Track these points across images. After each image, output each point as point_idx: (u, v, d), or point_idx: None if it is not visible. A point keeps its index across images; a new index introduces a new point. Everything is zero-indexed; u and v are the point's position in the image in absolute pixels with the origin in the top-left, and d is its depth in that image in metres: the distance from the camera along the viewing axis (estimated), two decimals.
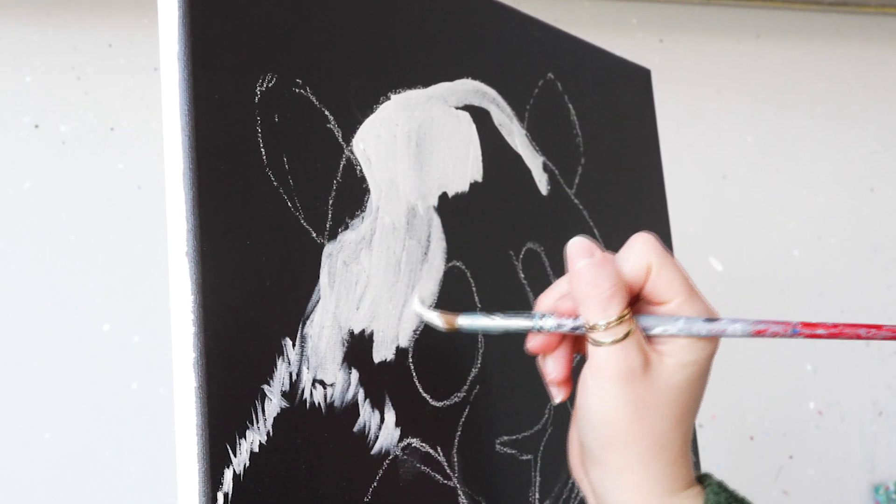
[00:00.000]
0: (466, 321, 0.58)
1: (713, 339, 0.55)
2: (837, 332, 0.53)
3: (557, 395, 0.59)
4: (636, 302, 0.56)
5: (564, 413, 0.75)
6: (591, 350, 0.54)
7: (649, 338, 0.54)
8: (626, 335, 0.53)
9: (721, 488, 0.55)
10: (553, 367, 0.58)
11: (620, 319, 0.53)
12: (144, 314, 1.18)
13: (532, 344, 0.58)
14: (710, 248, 1.49)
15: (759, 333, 0.54)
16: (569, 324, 0.56)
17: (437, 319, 0.59)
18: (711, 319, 0.54)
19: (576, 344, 0.59)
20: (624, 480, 0.54)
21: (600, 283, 0.53)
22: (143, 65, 1.22)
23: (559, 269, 0.76)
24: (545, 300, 0.58)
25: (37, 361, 1.14)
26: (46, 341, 1.15)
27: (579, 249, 0.54)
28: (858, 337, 0.53)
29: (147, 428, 1.16)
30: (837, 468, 1.53)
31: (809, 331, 0.54)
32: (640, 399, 0.53)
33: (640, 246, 0.55)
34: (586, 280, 0.53)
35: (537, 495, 0.71)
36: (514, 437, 0.69)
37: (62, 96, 1.19)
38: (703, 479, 0.57)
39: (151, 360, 1.18)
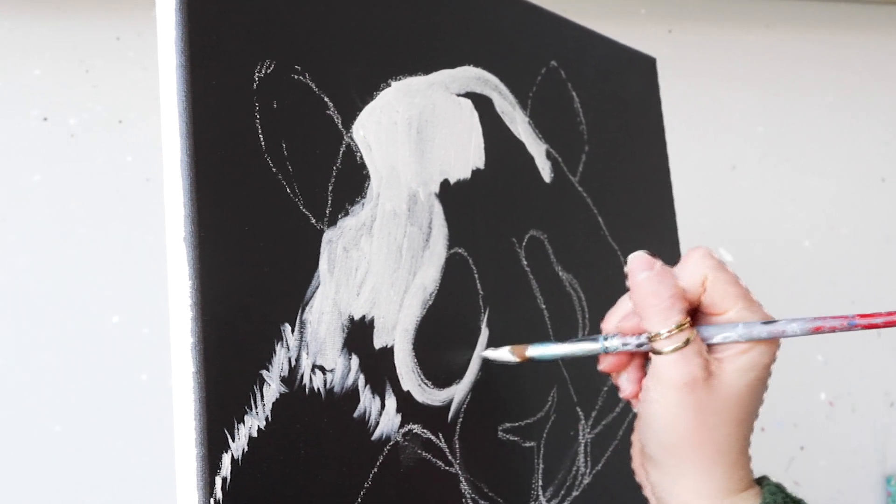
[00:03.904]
0: (537, 351, 0.63)
1: (772, 345, 0.56)
2: (894, 319, 0.54)
3: (637, 408, 0.61)
4: (696, 314, 0.57)
5: (567, 401, 0.75)
6: (654, 359, 0.56)
7: (710, 347, 0.56)
8: (687, 343, 0.55)
9: (778, 489, 0.57)
10: (627, 384, 0.61)
11: (681, 327, 0.55)
12: (154, 306, 1.19)
13: (604, 365, 0.61)
14: (720, 238, 1.49)
15: (817, 330, 0.56)
16: (633, 342, 0.58)
17: (509, 355, 0.64)
18: (770, 322, 0.55)
19: (646, 358, 0.61)
20: (684, 483, 0.56)
21: (661, 292, 0.55)
22: (152, 58, 1.22)
23: (562, 257, 0.76)
24: (609, 320, 0.61)
25: (47, 353, 1.15)
26: (56, 333, 1.15)
27: (640, 263, 0.57)
28: None
29: (157, 419, 1.17)
30: (849, 459, 1.52)
31: (867, 321, 0.54)
32: (702, 406, 0.55)
33: (696, 259, 0.57)
34: (647, 290, 0.56)
35: (540, 482, 0.71)
36: (517, 424, 0.69)
37: (71, 89, 1.19)
38: (760, 481, 0.58)
39: (161, 351, 1.18)
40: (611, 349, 0.59)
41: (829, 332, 0.55)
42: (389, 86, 0.63)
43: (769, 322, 0.56)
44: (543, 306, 0.73)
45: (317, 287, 0.55)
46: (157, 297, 1.18)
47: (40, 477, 1.13)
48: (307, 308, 0.54)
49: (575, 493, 0.74)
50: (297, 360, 0.53)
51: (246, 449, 0.49)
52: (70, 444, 1.14)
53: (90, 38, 1.21)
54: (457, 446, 0.63)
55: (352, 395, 0.56)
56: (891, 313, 0.54)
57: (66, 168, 1.18)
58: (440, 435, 0.62)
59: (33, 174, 1.16)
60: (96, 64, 1.21)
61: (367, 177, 0.60)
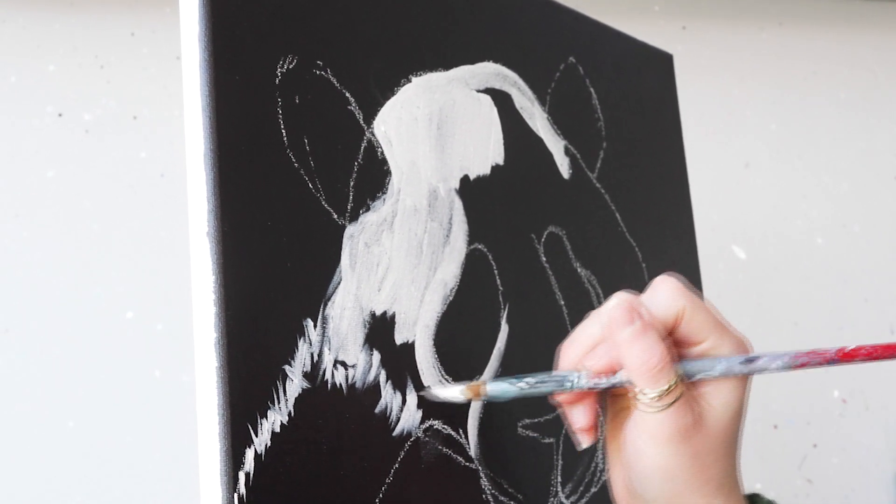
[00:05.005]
0: (494, 388, 0.56)
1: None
2: (877, 353, 0.53)
3: (584, 441, 0.58)
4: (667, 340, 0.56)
5: None
6: (642, 415, 0.54)
7: (690, 384, 0.55)
8: (677, 398, 0.53)
9: None
10: (580, 417, 0.58)
11: (670, 389, 0.53)
12: (168, 302, 1.19)
13: (561, 397, 0.58)
14: (733, 235, 1.48)
15: (800, 367, 0.55)
16: (605, 382, 0.55)
17: (459, 393, 0.58)
18: (751, 359, 0.54)
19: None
20: None
21: (651, 354, 0.53)
22: (166, 53, 1.23)
23: (580, 254, 0.76)
24: (569, 353, 0.57)
25: (60, 349, 1.15)
26: (70, 329, 1.15)
27: (622, 314, 0.54)
28: None
29: (170, 415, 1.17)
30: (862, 457, 1.52)
31: (849, 357, 0.54)
32: (697, 450, 0.54)
33: (671, 291, 0.55)
34: (636, 352, 0.53)
35: (559, 478, 0.71)
36: (536, 420, 0.69)
37: (85, 85, 1.19)
38: (753, 499, 0.58)
39: (174, 347, 1.18)
40: (577, 388, 0.56)
41: (814, 367, 0.54)
42: (410, 81, 0.63)
43: (751, 359, 0.54)
44: (562, 302, 0.73)
45: (338, 282, 0.55)
46: (172, 294, 1.18)
47: (53, 473, 1.14)
48: (329, 303, 0.54)
49: (594, 490, 0.74)
50: (320, 355, 0.53)
51: (269, 444, 0.50)
52: (83, 441, 1.14)
53: (105, 33, 1.21)
54: (477, 442, 0.63)
55: (373, 391, 0.56)
56: (872, 347, 0.53)
57: (80, 164, 1.18)
58: (460, 431, 0.62)
59: (48, 170, 1.17)
60: (111, 60, 1.21)
61: (388, 172, 0.60)
